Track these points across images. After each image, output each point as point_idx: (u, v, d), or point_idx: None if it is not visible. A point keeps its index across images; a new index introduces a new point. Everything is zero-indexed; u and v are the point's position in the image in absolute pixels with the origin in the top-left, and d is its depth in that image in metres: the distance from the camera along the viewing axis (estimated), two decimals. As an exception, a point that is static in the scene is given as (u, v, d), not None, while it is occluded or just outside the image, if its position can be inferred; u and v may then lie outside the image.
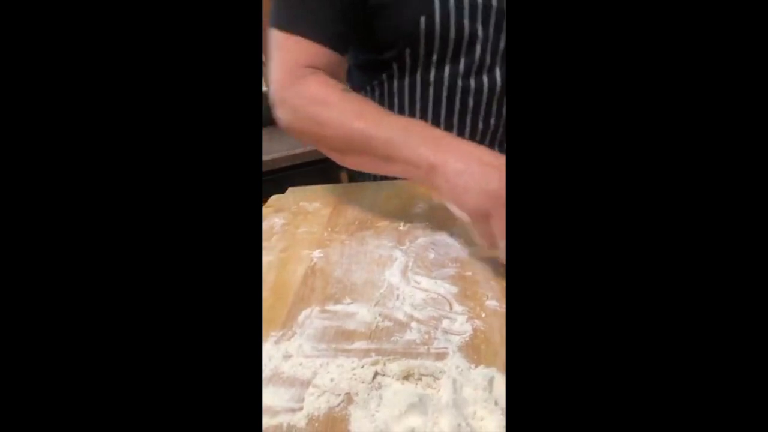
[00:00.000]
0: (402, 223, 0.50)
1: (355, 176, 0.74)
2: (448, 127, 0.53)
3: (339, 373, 0.29)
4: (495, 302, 0.35)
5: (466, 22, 0.46)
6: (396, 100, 0.55)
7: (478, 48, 0.49)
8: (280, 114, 0.46)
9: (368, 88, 0.57)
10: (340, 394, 0.27)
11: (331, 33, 0.45)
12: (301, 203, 0.58)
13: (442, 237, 0.46)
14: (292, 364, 0.30)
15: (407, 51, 0.49)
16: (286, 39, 0.45)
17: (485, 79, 0.51)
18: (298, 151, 1.12)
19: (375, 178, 0.66)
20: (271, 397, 0.28)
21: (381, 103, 0.55)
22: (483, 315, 0.34)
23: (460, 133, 0.54)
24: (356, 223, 0.51)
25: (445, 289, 0.37)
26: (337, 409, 0.27)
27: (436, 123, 0.53)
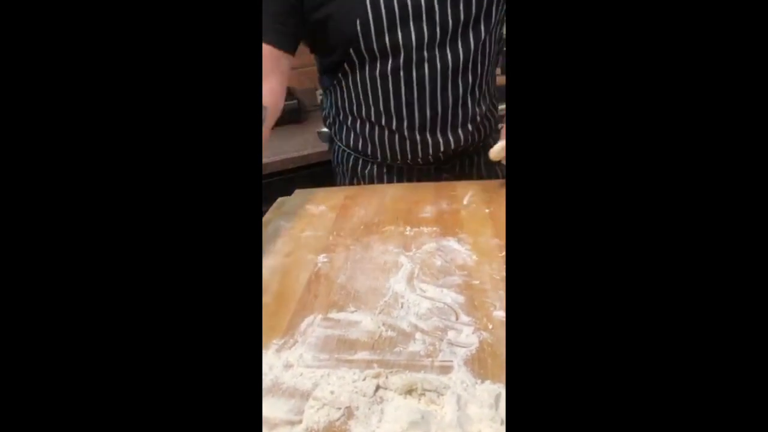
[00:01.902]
0: (408, 228, 0.49)
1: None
2: (400, 115, 0.60)
3: (340, 385, 0.28)
4: (503, 313, 0.34)
5: (398, 20, 0.54)
6: (353, 95, 0.62)
7: (414, 43, 0.55)
8: None
9: (331, 87, 0.65)
10: (340, 408, 0.27)
11: (273, 31, 0.55)
12: (307, 206, 0.58)
13: (449, 242, 0.45)
14: (292, 374, 0.30)
15: (351, 50, 0.56)
16: None
17: (426, 69, 0.56)
18: (306, 152, 1.11)
19: (382, 181, 0.68)
20: (270, 408, 0.27)
21: (344, 99, 0.63)
22: (490, 326, 0.32)
23: (411, 120, 0.60)
24: (362, 227, 0.50)
25: (452, 298, 0.36)
26: (337, 424, 0.26)
27: (388, 111, 0.60)
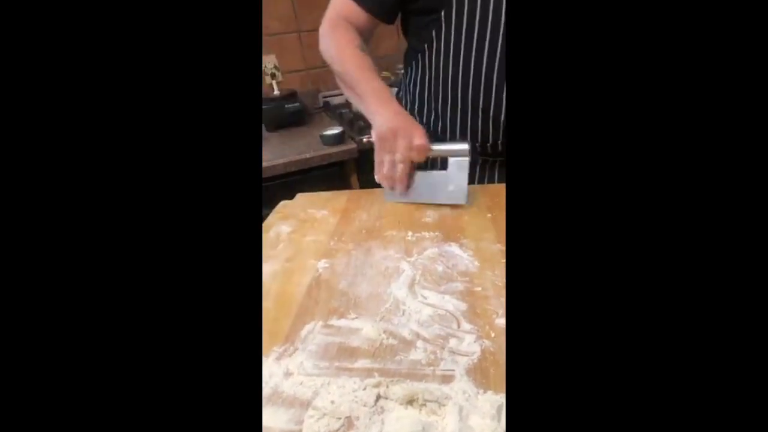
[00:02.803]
0: (410, 233, 0.48)
1: (366, 182, 0.76)
2: (477, 87, 0.60)
3: (340, 394, 0.28)
4: (505, 320, 0.33)
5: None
6: (434, 66, 0.63)
7: (503, 16, 0.54)
8: (321, 45, 0.64)
9: (414, 61, 0.65)
10: (340, 418, 0.26)
11: (374, 3, 0.61)
12: (308, 210, 0.57)
13: (451, 248, 0.44)
14: (292, 382, 0.29)
15: (443, 13, 0.57)
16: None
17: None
18: (308, 155, 1.12)
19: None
20: (270, 417, 0.27)
21: (425, 70, 0.64)
22: (492, 335, 0.32)
23: (487, 96, 0.59)
24: (363, 232, 0.50)
25: (453, 305, 0.36)
26: (336, 434, 0.26)
27: (465, 83, 0.60)
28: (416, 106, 0.68)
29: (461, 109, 0.62)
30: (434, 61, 0.61)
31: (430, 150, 0.50)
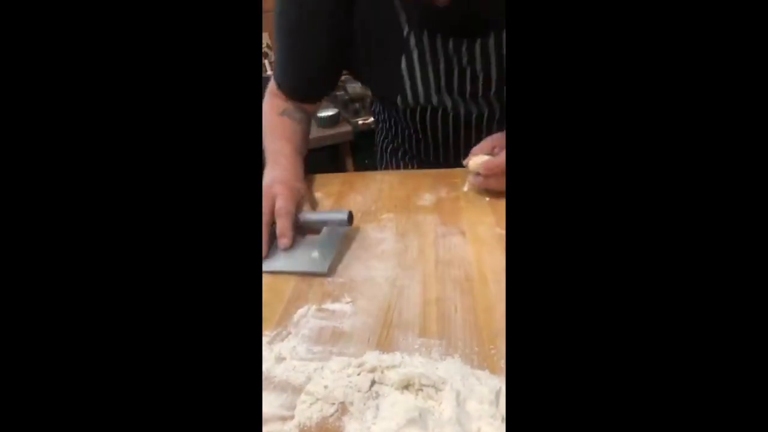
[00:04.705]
0: (406, 216, 0.47)
1: (361, 165, 0.74)
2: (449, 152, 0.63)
3: (334, 379, 0.27)
4: (503, 305, 0.32)
5: (434, 95, 0.55)
6: (404, 127, 0.64)
7: (451, 113, 0.57)
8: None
9: (385, 113, 0.68)
10: (334, 403, 0.26)
11: (299, 90, 0.59)
12: (302, 193, 0.56)
13: (449, 232, 0.43)
14: (285, 367, 0.29)
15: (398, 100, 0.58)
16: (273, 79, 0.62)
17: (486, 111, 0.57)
18: (303, 137, 1.09)
19: (380, 167, 0.67)
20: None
21: (397, 126, 0.66)
22: (490, 319, 0.31)
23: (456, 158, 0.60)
24: (359, 214, 0.49)
25: (451, 289, 0.35)
26: (330, 420, 0.25)
27: (437, 147, 0.63)
28: (396, 144, 0.68)
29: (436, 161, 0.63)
30: (401, 124, 0.62)
31: (300, 218, 0.45)
